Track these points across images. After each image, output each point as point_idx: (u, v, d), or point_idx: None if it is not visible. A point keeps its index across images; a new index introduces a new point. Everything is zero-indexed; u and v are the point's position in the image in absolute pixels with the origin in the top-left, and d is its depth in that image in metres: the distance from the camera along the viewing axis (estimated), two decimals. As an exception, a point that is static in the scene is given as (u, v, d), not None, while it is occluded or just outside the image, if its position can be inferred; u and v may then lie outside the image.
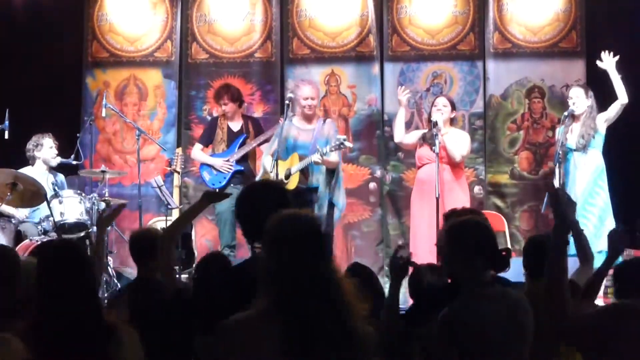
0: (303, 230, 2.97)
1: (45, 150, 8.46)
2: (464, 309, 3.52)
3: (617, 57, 7.89)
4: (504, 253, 3.62)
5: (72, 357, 3.13)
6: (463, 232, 3.63)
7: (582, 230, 4.86)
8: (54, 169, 8.57)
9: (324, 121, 7.96)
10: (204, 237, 9.57)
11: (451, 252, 3.63)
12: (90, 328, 3.15)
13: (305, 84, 8.07)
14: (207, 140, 8.55)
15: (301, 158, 7.68)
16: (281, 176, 7.65)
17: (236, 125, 8.43)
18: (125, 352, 3.18)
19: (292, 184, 7.66)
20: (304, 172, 7.71)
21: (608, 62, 7.88)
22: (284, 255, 2.93)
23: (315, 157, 7.49)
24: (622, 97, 7.68)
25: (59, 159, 8.45)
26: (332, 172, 7.76)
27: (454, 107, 7.91)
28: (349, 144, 7.59)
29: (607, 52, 7.94)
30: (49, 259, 3.30)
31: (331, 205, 7.75)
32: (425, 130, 7.98)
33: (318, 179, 7.72)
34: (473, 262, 3.57)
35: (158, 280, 4.77)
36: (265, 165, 7.85)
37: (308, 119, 7.89)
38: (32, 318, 3.20)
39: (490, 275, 3.64)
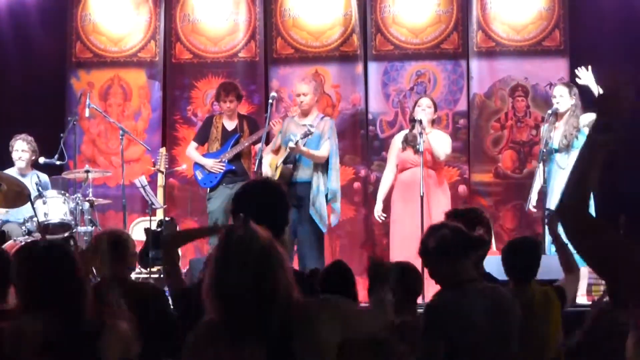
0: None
1: (13, 152, 8.47)
2: (451, 300, 3.54)
3: (590, 67, 7.73)
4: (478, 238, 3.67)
5: (57, 354, 3.12)
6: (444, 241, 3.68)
7: (567, 243, 4.67)
8: (38, 169, 8.56)
9: (322, 118, 8.02)
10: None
11: (438, 259, 3.68)
12: (75, 326, 3.13)
13: (299, 81, 8.24)
14: (202, 139, 8.55)
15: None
16: (271, 170, 7.82)
17: (231, 124, 8.44)
18: (115, 348, 3.15)
19: (277, 176, 7.73)
20: (292, 165, 7.79)
21: (585, 76, 7.68)
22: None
23: (290, 145, 7.60)
24: None
25: (23, 164, 8.41)
26: (324, 168, 7.81)
27: (436, 108, 7.95)
28: (313, 130, 7.66)
29: (581, 68, 7.83)
30: (36, 257, 3.28)
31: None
32: (407, 131, 7.97)
33: (308, 173, 7.78)
34: (459, 263, 3.63)
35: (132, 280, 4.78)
36: (264, 165, 7.92)
37: (303, 114, 7.99)
38: (16, 315, 3.19)
39: (476, 272, 3.66)
